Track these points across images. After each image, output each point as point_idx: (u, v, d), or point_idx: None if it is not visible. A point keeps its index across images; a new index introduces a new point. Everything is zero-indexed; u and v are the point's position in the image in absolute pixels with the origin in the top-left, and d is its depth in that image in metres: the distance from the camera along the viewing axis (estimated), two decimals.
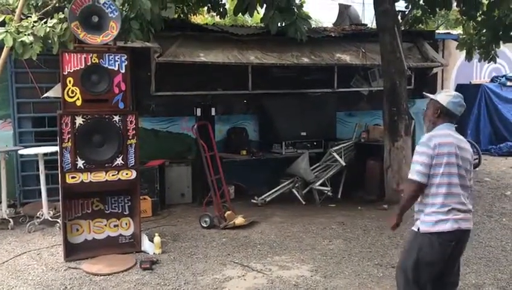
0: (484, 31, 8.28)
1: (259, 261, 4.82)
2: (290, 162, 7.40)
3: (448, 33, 10.86)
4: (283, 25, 5.71)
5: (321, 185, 7.30)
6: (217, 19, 8.91)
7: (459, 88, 11.45)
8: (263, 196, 7.18)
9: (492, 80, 11.90)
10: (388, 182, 7.06)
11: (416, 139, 7.28)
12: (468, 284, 4.19)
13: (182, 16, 8.93)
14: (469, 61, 9.02)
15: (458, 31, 10.17)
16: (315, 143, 8.21)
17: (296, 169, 7.34)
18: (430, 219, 2.98)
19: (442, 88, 11.40)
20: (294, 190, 7.38)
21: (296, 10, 5.57)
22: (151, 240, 5.18)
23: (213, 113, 7.37)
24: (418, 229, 3.03)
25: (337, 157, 7.42)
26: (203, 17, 13.52)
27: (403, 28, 8.77)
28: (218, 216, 6.05)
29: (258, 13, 6.46)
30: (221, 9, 7.53)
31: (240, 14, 7.10)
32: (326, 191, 7.30)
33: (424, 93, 3.51)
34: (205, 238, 5.59)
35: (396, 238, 5.44)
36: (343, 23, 10.11)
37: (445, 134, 3.04)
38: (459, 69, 11.70)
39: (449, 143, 2.99)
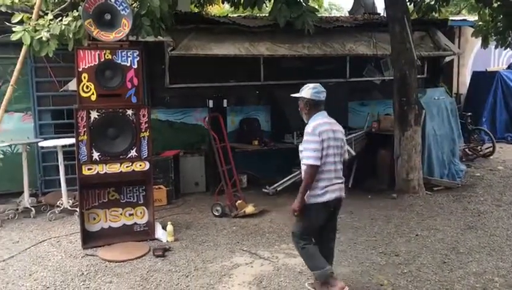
0: (500, 17, 8.20)
1: (267, 249, 5.00)
2: None
3: (465, 20, 10.75)
4: (291, 17, 5.79)
5: None
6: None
7: (475, 76, 11.38)
8: (274, 185, 7.33)
9: (509, 67, 11.74)
10: (398, 172, 7.14)
11: (427, 129, 7.33)
12: (469, 272, 4.30)
13: (197, 6, 9.09)
14: (485, 48, 8.98)
15: (475, 17, 10.07)
16: None
17: None
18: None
19: (458, 75, 11.35)
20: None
21: (303, 3, 5.64)
22: (164, 228, 5.40)
23: (225, 104, 7.53)
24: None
25: (348, 147, 7.48)
26: (219, 8, 13.64)
27: (416, 17, 8.77)
28: (230, 205, 6.23)
29: (266, 6, 6.55)
30: (235, 0, 7.64)
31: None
32: None
33: (291, 95, 4.10)
34: (216, 227, 5.79)
35: (402, 227, 5.56)
36: (358, 11, 10.11)
37: (323, 122, 3.70)
38: (476, 56, 11.59)
39: (327, 130, 3.66)
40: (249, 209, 6.17)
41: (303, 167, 3.70)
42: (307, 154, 3.61)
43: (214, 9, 13.09)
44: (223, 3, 9.03)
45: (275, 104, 8.25)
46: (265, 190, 7.29)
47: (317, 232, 3.87)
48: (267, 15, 9.31)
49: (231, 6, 8.06)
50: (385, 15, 7.85)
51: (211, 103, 7.35)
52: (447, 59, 9.95)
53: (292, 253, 4.83)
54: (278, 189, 7.29)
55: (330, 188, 3.69)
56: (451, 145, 7.88)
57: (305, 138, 3.69)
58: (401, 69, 7.02)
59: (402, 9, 7.03)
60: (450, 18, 10.27)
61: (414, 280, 4.17)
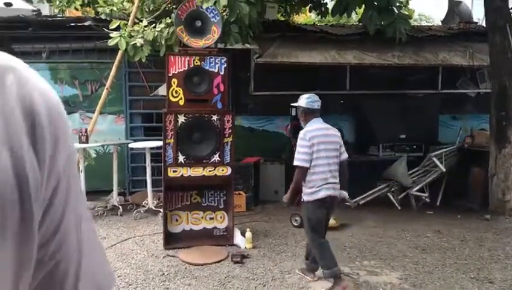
0: None
1: (347, 265, 4.81)
2: (387, 166, 7.23)
3: None
4: (382, 24, 5.60)
5: (419, 190, 7.04)
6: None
7: None
8: (357, 199, 7.08)
9: None
10: (493, 191, 6.61)
11: None
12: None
13: (284, 15, 9.11)
14: None
15: None
16: (414, 147, 7.92)
17: (393, 173, 7.15)
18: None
19: None
20: (389, 194, 7.20)
21: (396, 10, 5.42)
22: (243, 234, 5.40)
23: None
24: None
25: (438, 162, 7.09)
26: (305, 16, 13.61)
27: None
28: None
29: (356, 14, 6.39)
30: (323, 9, 7.56)
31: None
32: (423, 197, 7.02)
33: (291, 104, 4.65)
34: (295, 237, 5.69)
35: (497, 251, 5.11)
36: (452, 20, 9.58)
37: (315, 128, 4.09)
38: None
39: (318, 135, 4.04)
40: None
41: (296, 170, 4.12)
42: (297, 156, 4.06)
43: (300, 18, 13.08)
44: (310, 12, 8.98)
45: (360, 115, 8.02)
46: (347, 203, 7.04)
47: (322, 227, 4.21)
48: (355, 23, 9.13)
49: (318, 15, 7.98)
50: (483, 23, 7.35)
51: (293, 111, 7.28)
52: None
53: (374, 270, 4.61)
54: (360, 203, 7.05)
55: (324, 187, 4.03)
56: None
57: (297, 141, 4.13)
58: (500, 80, 6.52)
59: (505, 17, 6.53)
60: None
61: None
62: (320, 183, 4.02)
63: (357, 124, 8.26)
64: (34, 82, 0.55)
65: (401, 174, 7.07)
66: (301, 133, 4.11)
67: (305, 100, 4.21)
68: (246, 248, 5.24)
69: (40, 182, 0.52)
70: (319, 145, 4.01)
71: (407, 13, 6.95)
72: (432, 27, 8.75)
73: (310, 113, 4.18)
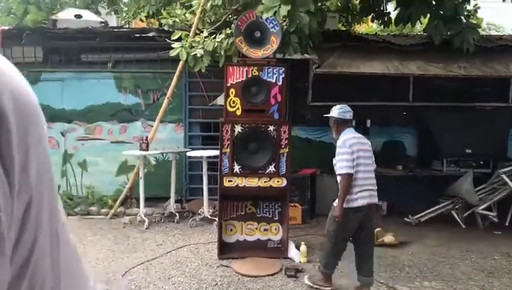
0: None
1: (406, 285, 4.58)
2: (451, 181, 6.87)
3: None
4: (448, 34, 5.34)
5: (486, 209, 6.61)
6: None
7: None
8: (418, 215, 6.79)
9: None
10: None
11: None
12: None
13: (345, 25, 8.97)
14: None
15: None
16: (481, 162, 7.47)
17: (457, 189, 6.78)
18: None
19: None
20: (453, 212, 6.82)
21: (463, 19, 5.15)
22: (297, 247, 5.30)
23: (368, 124, 7.23)
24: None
25: (507, 180, 6.64)
26: (367, 26, 13.34)
27: None
28: None
29: (421, 23, 6.16)
30: (386, 18, 7.36)
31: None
32: (491, 217, 6.60)
33: (324, 115, 4.61)
34: (351, 253, 5.50)
35: None
36: None
37: (351, 137, 4.17)
38: None
39: (355, 143, 4.12)
40: (388, 238, 5.76)
41: (338, 178, 4.11)
42: (341, 165, 4.07)
43: (362, 28, 12.83)
44: (372, 21, 8.78)
45: (424, 127, 7.70)
46: (408, 220, 6.78)
47: (350, 235, 4.22)
48: (419, 33, 8.82)
49: (380, 25, 7.78)
50: None
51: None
52: None
53: None
54: (422, 220, 6.74)
55: (361, 195, 4.05)
56: None
57: (337, 150, 4.16)
58: None
59: None
60: None
61: None
62: (358, 190, 4.06)
63: (420, 137, 7.93)
64: (5, 80, 0.46)
65: (467, 191, 6.68)
66: (340, 141, 4.18)
67: (337, 110, 4.32)
68: (300, 261, 5.13)
69: (11, 215, 0.44)
70: (358, 153, 4.09)
71: (475, 22, 6.61)
72: (502, 36, 8.26)
73: (342, 124, 4.28)
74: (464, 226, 6.65)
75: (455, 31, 5.18)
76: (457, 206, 6.82)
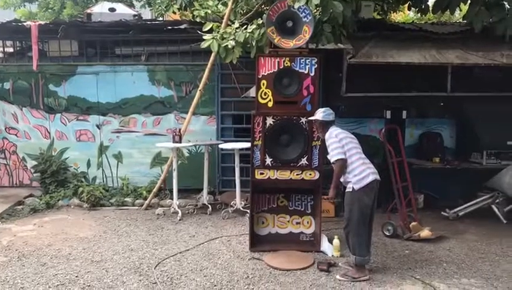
0: None
1: (444, 281, 4.43)
2: (492, 175, 6.60)
3: None
4: (490, 21, 5.09)
5: None
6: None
7: None
8: (456, 209, 6.57)
9: None
10: None
11: None
12: None
13: (381, 14, 8.73)
14: None
15: None
16: None
17: (498, 183, 6.51)
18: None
19: None
20: (494, 206, 6.56)
21: (507, 5, 4.90)
22: (330, 241, 5.22)
23: (404, 116, 7.04)
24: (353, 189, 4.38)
25: None
26: (403, 15, 12.97)
27: None
28: (402, 226, 5.74)
29: (460, 10, 5.90)
30: (423, 6, 7.09)
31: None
32: None
33: (309, 118, 4.89)
34: (386, 247, 5.39)
35: None
36: None
37: (335, 129, 4.56)
38: None
39: (340, 132, 4.51)
40: (425, 233, 5.60)
41: (334, 167, 4.41)
42: (333, 153, 4.40)
43: (398, 17, 12.48)
44: (409, 9, 8.50)
45: (463, 119, 7.42)
46: (445, 214, 6.58)
47: (369, 211, 4.41)
48: (458, 21, 8.49)
49: (417, 13, 7.51)
50: None
51: (388, 114, 6.95)
52: None
53: None
54: (460, 214, 6.52)
55: (370, 171, 4.37)
56: None
57: (326, 143, 4.51)
58: None
59: None
60: None
61: None
62: (365, 167, 4.38)
63: (458, 129, 7.66)
64: None
65: (508, 185, 6.40)
66: (327, 135, 4.53)
67: (321, 114, 4.62)
68: (333, 255, 5.06)
69: None
70: (346, 139, 4.45)
71: None
72: None
73: (326, 125, 4.61)
74: (505, 222, 6.38)
75: (498, 17, 4.91)
76: (497, 201, 6.54)
